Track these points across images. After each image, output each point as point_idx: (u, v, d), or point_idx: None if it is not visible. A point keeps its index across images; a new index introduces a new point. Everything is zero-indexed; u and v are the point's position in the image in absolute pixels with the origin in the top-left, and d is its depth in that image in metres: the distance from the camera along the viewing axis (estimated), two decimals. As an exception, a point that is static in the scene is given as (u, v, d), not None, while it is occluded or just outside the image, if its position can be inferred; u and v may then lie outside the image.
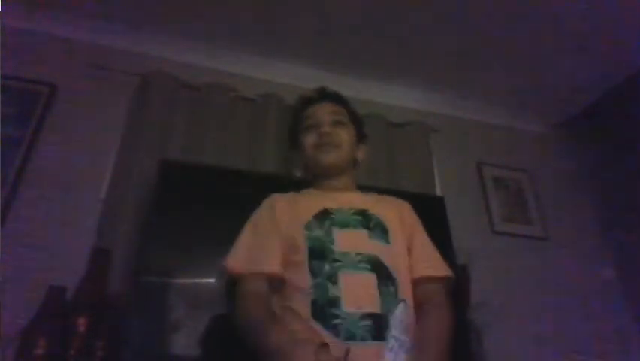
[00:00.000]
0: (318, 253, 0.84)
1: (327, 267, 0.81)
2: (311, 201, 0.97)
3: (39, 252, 1.49)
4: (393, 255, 0.89)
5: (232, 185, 1.59)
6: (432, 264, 0.96)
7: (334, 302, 0.76)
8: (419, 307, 0.87)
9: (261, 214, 1.01)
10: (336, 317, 0.75)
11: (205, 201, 1.48)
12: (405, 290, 0.85)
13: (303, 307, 0.78)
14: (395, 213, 1.00)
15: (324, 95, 1.18)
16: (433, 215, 1.81)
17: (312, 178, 1.10)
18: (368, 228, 0.91)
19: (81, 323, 1.26)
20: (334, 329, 0.73)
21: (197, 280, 1.36)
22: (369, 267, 0.83)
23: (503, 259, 2.05)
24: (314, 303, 0.77)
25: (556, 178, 2.44)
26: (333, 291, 0.78)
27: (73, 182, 1.66)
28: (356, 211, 0.94)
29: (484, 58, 2.15)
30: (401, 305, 0.77)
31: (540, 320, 1.95)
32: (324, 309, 0.76)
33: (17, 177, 1.61)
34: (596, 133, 2.58)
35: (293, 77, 2.17)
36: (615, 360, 1.96)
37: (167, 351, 1.26)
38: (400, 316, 0.74)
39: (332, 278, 0.79)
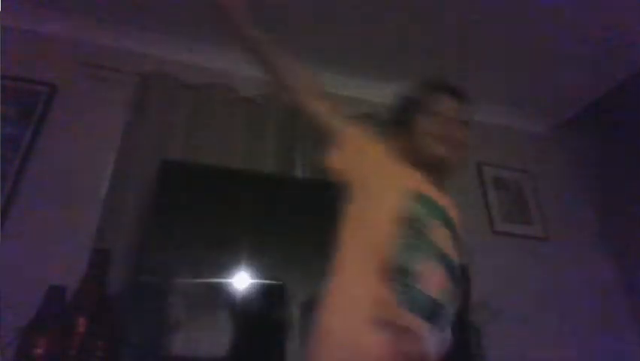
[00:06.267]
0: (413, 226, 0.87)
1: (419, 243, 0.85)
2: (409, 173, 0.97)
3: (39, 252, 1.49)
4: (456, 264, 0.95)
5: (232, 185, 1.59)
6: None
7: (405, 274, 0.80)
8: None
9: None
10: (407, 289, 0.79)
11: (205, 201, 1.48)
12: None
13: (380, 245, 0.83)
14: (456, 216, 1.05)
15: (461, 95, 1.17)
16: (433, 215, 1.82)
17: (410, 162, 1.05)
18: (453, 232, 0.97)
19: (81, 323, 1.26)
20: (401, 299, 0.78)
21: (196, 280, 1.36)
22: (443, 265, 0.87)
23: (503, 259, 2.05)
24: (389, 257, 0.81)
25: (557, 178, 2.44)
26: (410, 265, 0.81)
27: (73, 182, 1.66)
28: (444, 209, 0.97)
29: (484, 58, 2.15)
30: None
31: (540, 319, 1.95)
32: (394, 274, 0.80)
33: (17, 177, 1.61)
34: (595, 133, 2.58)
35: (293, 77, 2.17)
36: (614, 358, 1.96)
37: (167, 351, 1.26)
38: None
39: (415, 255, 0.83)
